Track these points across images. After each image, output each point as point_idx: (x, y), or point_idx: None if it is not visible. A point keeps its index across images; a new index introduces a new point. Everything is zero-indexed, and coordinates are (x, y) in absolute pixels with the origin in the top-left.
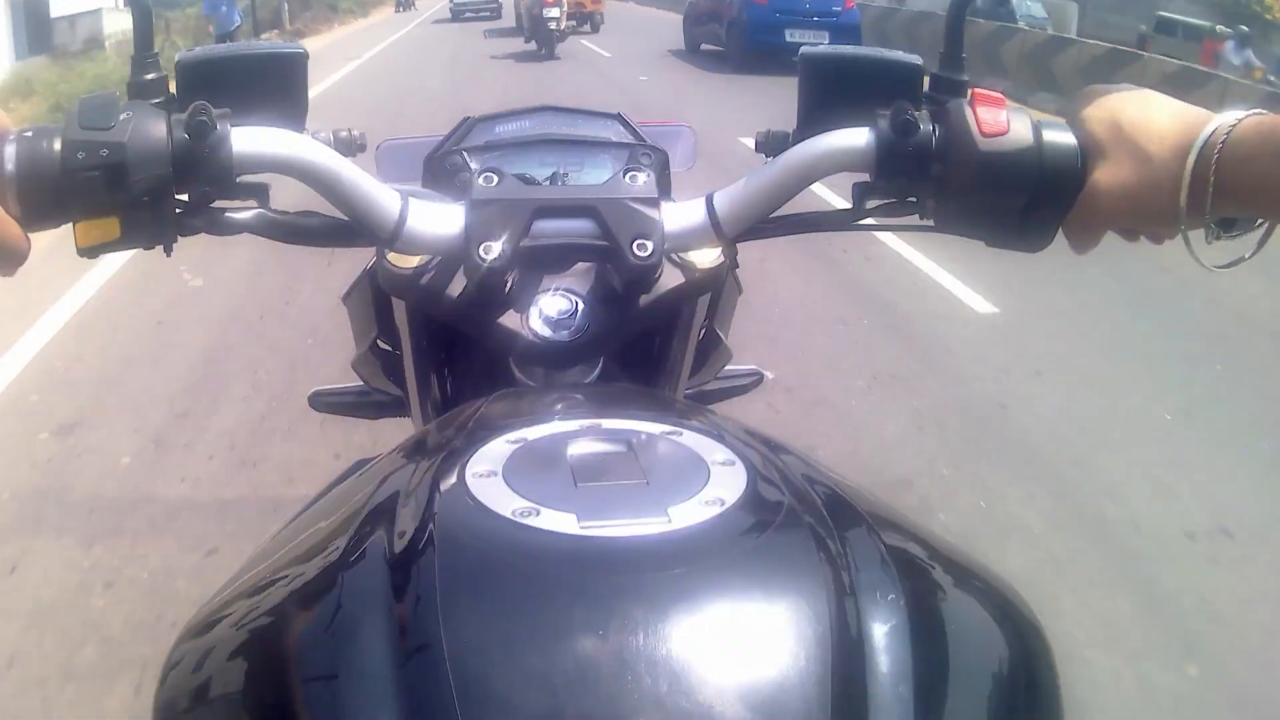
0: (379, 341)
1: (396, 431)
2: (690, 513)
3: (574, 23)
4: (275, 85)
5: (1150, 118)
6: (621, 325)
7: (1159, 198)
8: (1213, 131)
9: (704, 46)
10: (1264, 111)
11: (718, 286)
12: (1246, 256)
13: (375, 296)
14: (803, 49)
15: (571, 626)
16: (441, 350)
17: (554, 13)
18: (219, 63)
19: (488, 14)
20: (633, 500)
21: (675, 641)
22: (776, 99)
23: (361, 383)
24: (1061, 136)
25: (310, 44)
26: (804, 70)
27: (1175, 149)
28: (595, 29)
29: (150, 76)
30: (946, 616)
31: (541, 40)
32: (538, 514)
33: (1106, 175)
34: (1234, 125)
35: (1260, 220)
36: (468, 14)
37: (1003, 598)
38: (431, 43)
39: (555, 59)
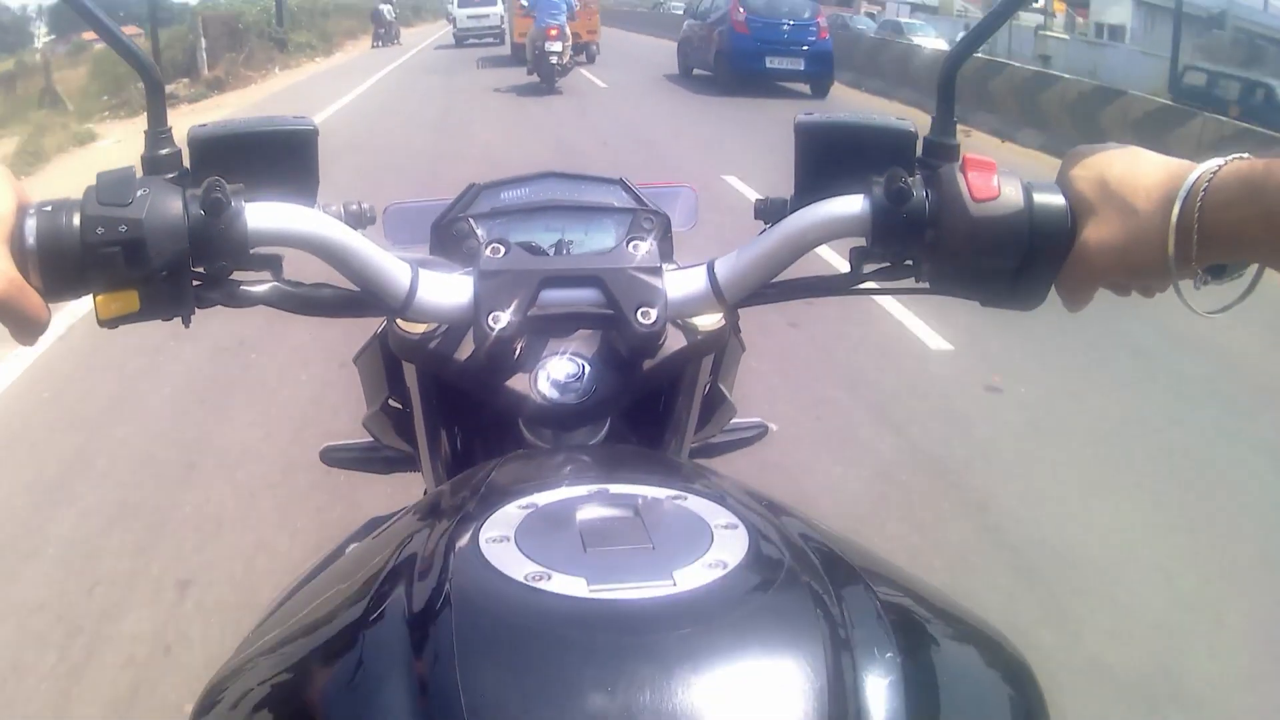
0: (390, 401)
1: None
2: (694, 575)
3: (578, 56)
4: (287, 160)
5: (1136, 173)
6: (627, 387)
7: (1147, 251)
8: (1195, 180)
9: (695, 71)
10: (1246, 156)
11: (720, 347)
12: (1232, 302)
13: (386, 358)
14: (798, 117)
15: (582, 685)
16: (451, 411)
17: (556, 47)
18: (231, 139)
19: (491, 40)
20: (639, 564)
21: (681, 699)
22: (757, 116)
23: (373, 439)
24: (1051, 198)
25: (216, 106)
26: (800, 138)
27: (1160, 201)
28: (591, 59)
29: (164, 151)
30: (940, 668)
31: (543, 74)
32: (549, 578)
33: (1096, 233)
34: (1215, 172)
35: (1249, 264)
36: (470, 40)
37: (995, 646)
38: (413, 99)
39: (556, 93)
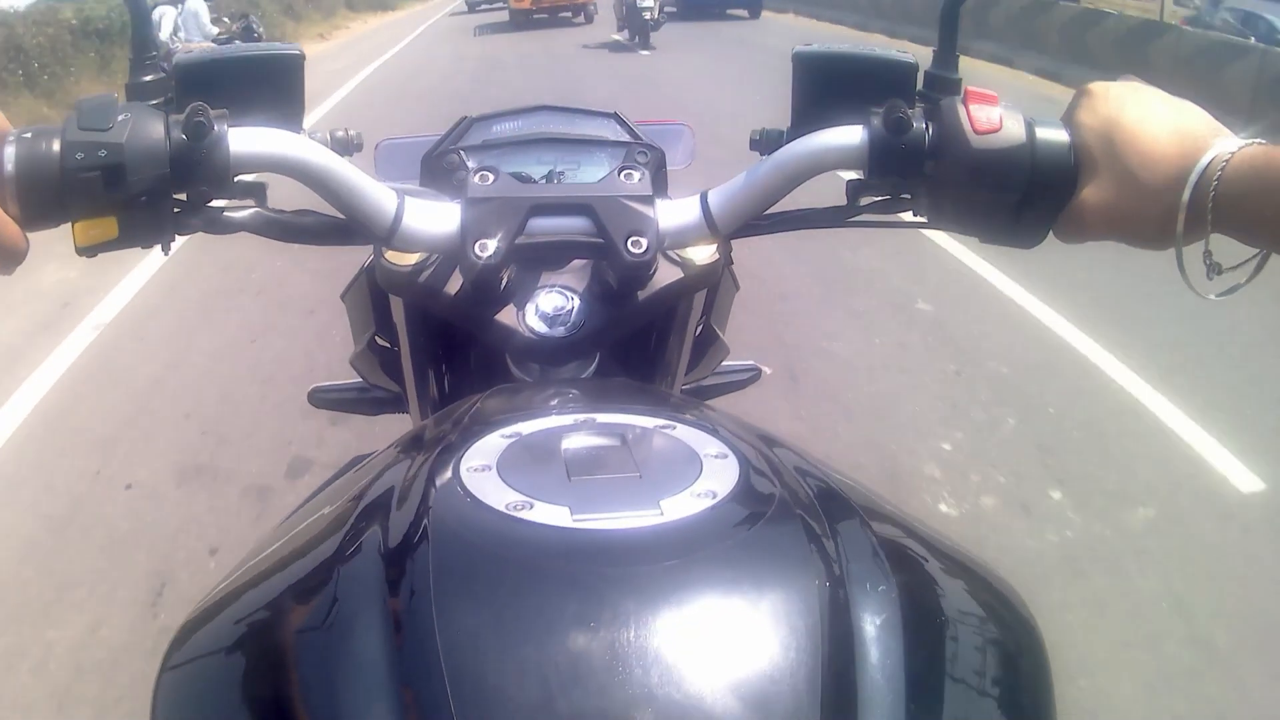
0: (377, 338)
1: (396, 427)
2: (682, 505)
3: (576, 17)
4: (272, 86)
5: (1145, 135)
6: (618, 321)
7: (1153, 225)
8: (1208, 164)
9: (666, 8)
10: (1260, 141)
11: (713, 283)
12: (1243, 283)
13: (373, 294)
14: (796, 48)
15: (563, 618)
16: (439, 347)
17: (648, 2)
18: (216, 64)
19: (501, 4)
20: (625, 493)
21: (667, 633)
22: (707, 31)
23: (360, 379)
24: (1054, 134)
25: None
26: (798, 69)
27: (1170, 179)
28: (589, 20)
29: (149, 78)
30: (938, 608)
31: (636, 29)
32: (531, 507)
33: (1099, 193)
34: (1229, 159)
35: (1256, 250)
36: (483, 5)
37: (994, 589)
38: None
39: (651, 49)
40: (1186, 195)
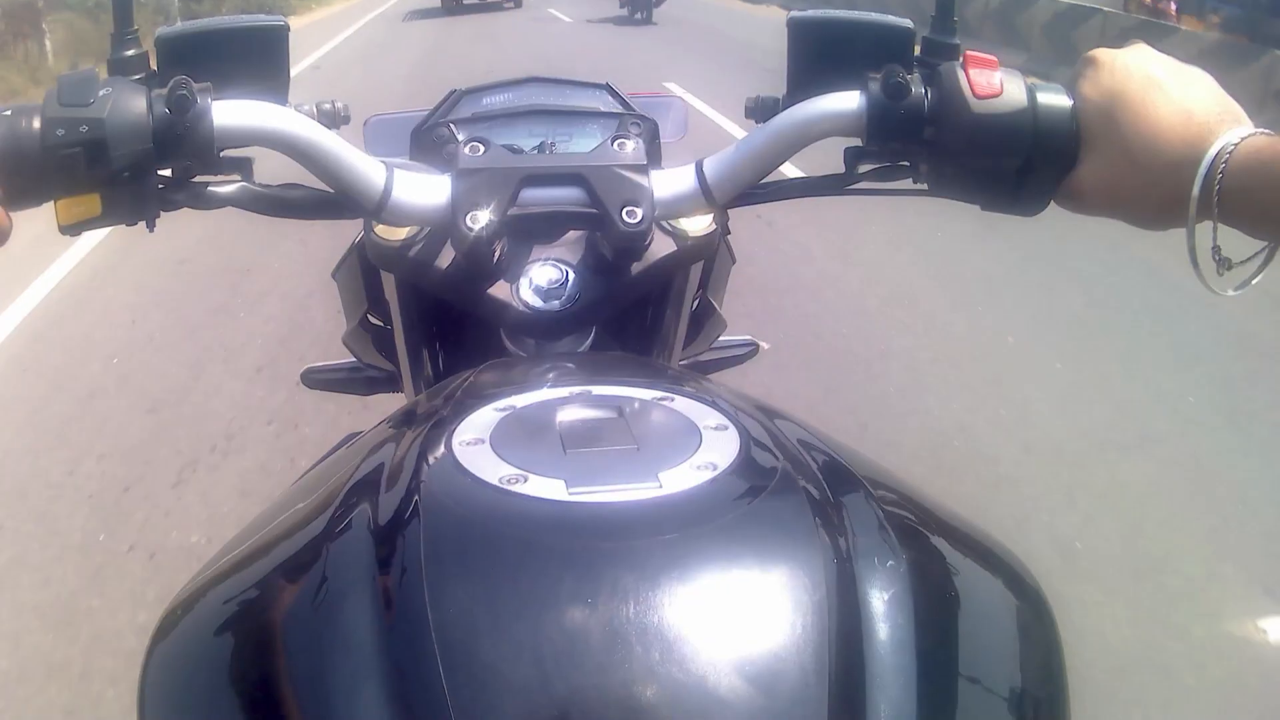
0: (369, 316)
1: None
2: (681, 477)
3: (508, 3)
4: (257, 59)
5: (1149, 115)
6: (613, 294)
7: (1149, 207)
8: (1215, 155)
9: None
10: (1265, 131)
11: (710, 254)
12: (1252, 280)
13: (364, 270)
14: (791, 13)
15: (559, 594)
16: (432, 323)
17: None
18: (199, 37)
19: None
20: (623, 466)
21: (666, 608)
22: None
23: (353, 359)
24: (1057, 99)
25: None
26: (793, 35)
27: (1171, 165)
28: (518, 4)
29: (130, 53)
30: (946, 582)
31: (639, 5)
32: (525, 481)
33: (1102, 172)
34: (1233, 150)
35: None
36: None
37: (1003, 562)
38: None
39: (653, 24)
40: (1197, 188)
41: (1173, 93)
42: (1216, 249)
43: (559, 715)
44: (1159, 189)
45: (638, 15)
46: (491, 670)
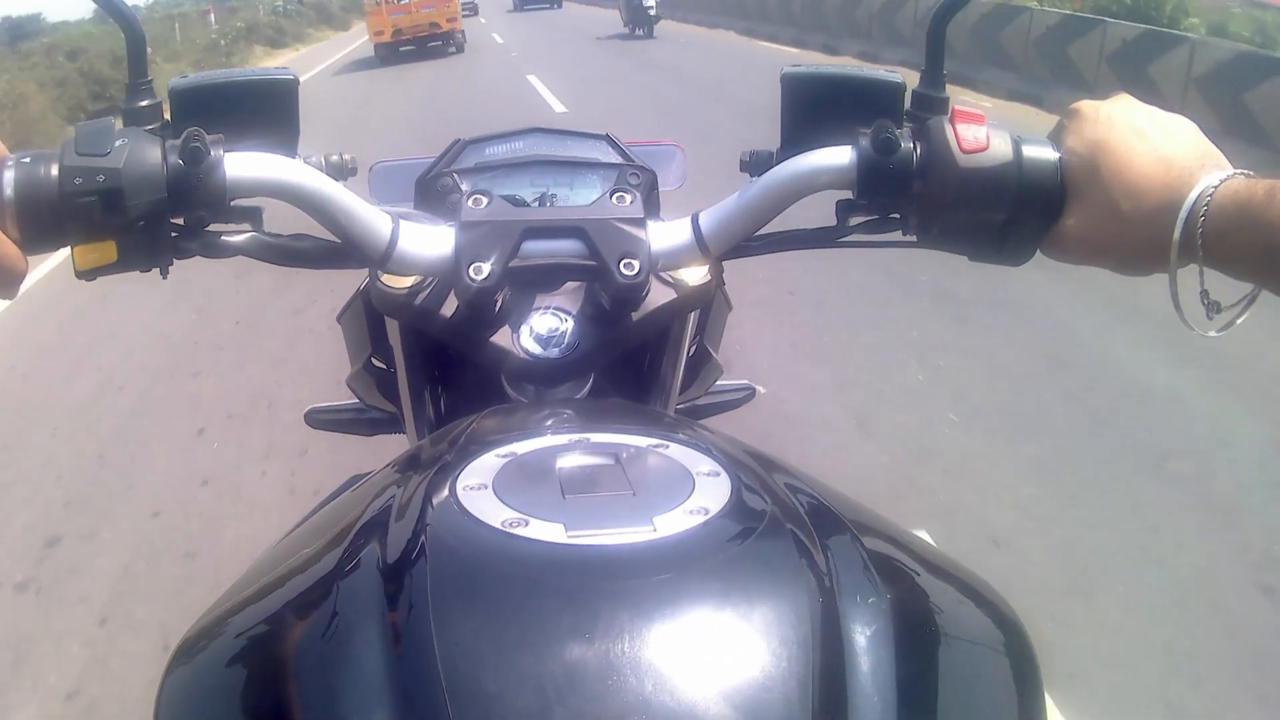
0: (373, 360)
1: (393, 448)
2: (675, 521)
3: (448, 46)
4: (268, 111)
5: (1131, 165)
6: (611, 342)
7: (1133, 254)
8: (1195, 200)
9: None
10: (1245, 172)
11: (706, 303)
12: (1237, 321)
13: (369, 315)
14: (784, 69)
15: (559, 632)
16: (434, 368)
17: (650, 0)
18: (212, 89)
19: (547, 5)
20: (619, 510)
21: (660, 646)
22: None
23: (357, 400)
24: (1041, 153)
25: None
26: (786, 90)
27: (1153, 212)
28: (460, 49)
29: (144, 103)
30: (928, 620)
31: (640, 23)
32: (526, 524)
33: (1082, 218)
34: (1213, 194)
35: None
36: (530, 5)
37: (985, 601)
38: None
39: (652, 39)
40: (1178, 233)
41: (1154, 141)
42: (1205, 293)
43: None
44: (1141, 237)
45: (639, 32)
46: (495, 701)
